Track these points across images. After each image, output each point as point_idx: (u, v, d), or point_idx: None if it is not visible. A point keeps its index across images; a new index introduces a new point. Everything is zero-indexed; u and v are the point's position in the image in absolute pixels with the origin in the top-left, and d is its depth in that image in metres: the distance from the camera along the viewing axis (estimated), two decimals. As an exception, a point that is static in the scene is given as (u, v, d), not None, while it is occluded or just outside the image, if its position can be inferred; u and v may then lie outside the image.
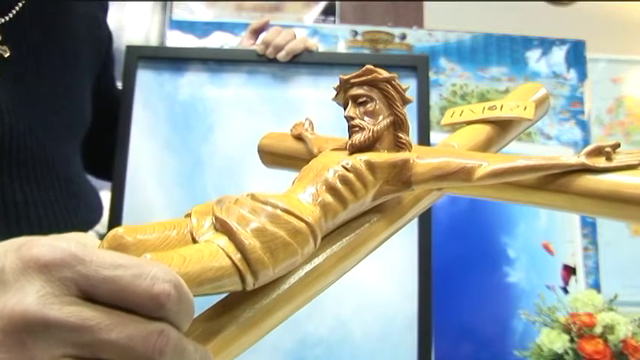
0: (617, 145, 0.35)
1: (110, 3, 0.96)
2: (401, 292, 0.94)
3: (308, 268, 0.35)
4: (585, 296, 1.18)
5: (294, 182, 0.38)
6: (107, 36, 0.92)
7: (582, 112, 1.78)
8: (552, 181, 0.36)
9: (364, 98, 0.40)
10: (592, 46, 1.83)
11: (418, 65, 1.00)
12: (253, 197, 0.34)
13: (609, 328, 1.10)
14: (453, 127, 0.49)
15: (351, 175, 0.37)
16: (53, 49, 0.77)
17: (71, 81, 0.80)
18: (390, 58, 1.21)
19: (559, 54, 1.83)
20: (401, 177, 0.39)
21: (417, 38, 1.84)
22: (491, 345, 1.58)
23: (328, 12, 1.99)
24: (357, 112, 0.40)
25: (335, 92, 0.42)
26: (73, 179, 0.78)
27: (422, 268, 0.93)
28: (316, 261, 0.36)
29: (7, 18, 0.71)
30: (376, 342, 0.93)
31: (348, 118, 0.40)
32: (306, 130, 0.48)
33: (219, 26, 1.83)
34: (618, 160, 0.34)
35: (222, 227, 0.32)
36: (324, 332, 0.93)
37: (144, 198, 0.96)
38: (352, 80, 0.40)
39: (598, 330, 1.10)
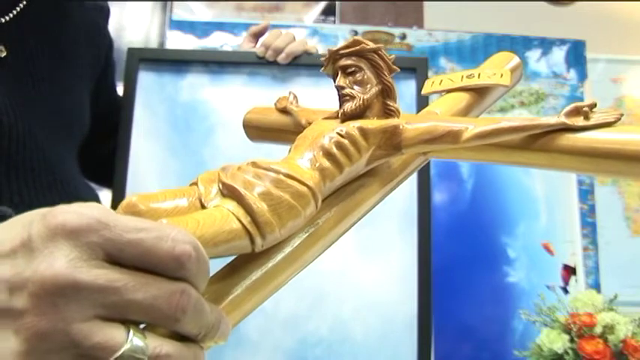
0: (594, 105, 0.37)
1: (110, 3, 0.96)
2: (401, 292, 0.95)
3: (309, 230, 0.37)
4: (585, 296, 1.19)
5: (290, 150, 0.40)
6: (107, 42, 0.92)
7: (582, 112, 1.78)
8: (534, 141, 0.38)
9: (353, 68, 0.42)
10: (592, 46, 1.84)
11: (417, 67, 1.01)
12: (255, 164, 0.35)
13: (609, 328, 1.10)
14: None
15: (345, 141, 0.39)
16: (51, 52, 0.77)
17: (69, 84, 0.80)
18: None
19: (559, 54, 1.83)
20: (392, 142, 0.41)
21: (417, 38, 1.84)
22: (491, 345, 1.59)
23: (328, 12, 1.99)
24: (347, 82, 0.42)
25: (324, 64, 0.44)
26: (70, 181, 0.78)
27: (422, 268, 0.94)
28: (316, 223, 0.38)
29: (5, 19, 0.71)
30: (376, 342, 0.93)
31: (339, 88, 0.42)
32: (291, 103, 0.50)
33: (219, 26, 1.83)
34: (595, 118, 0.37)
35: (230, 192, 0.33)
36: (325, 332, 0.93)
37: (145, 199, 0.96)
38: (341, 51, 0.42)
39: (598, 330, 1.10)
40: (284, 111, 0.50)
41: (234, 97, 1.02)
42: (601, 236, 1.73)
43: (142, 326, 0.29)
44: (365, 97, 0.41)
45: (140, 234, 0.28)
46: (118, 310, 0.27)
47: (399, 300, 0.94)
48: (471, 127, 0.39)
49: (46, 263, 0.26)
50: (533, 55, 1.83)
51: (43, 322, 0.26)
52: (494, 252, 1.66)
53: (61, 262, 0.26)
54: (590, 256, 1.71)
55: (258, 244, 0.33)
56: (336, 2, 1.99)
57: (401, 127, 0.41)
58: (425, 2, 2.00)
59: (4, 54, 0.69)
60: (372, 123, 0.40)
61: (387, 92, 0.42)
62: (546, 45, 1.83)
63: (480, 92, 0.49)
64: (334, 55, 0.42)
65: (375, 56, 0.42)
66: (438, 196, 1.69)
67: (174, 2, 1.94)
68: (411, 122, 0.41)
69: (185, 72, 1.02)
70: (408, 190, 0.96)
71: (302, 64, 1.00)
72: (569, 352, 1.11)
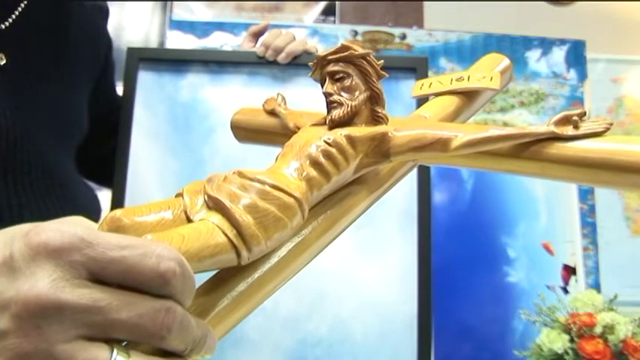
0: (584, 114, 0.37)
1: (110, 3, 0.96)
2: (401, 292, 0.94)
3: (296, 240, 0.37)
4: (585, 296, 1.18)
5: (277, 158, 0.39)
6: (106, 42, 0.92)
7: (582, 112, 1.78)
8: (524, 150, 0.38)
9: (341, 74, 0.41)
10: (592, 46, 1.84)
11: (417, 67, 1.01)
12: (241, 174, 0.35)
13: (609, 328, 1.10)
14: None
15: (333, 150, 0.38)
16: (50, 54, 0.77)
17: (68, 85, 0.80)
18: (389, 60, 1.21)
19: (559, 54, 1.83)
20: (380, 149, 0.40)
21: (417, 38, 1.84)
22: (491, 345, 1.59)
23: (328, 12, 1.99)
24: (335, 88, 0.41)
25: (312, 69, 0.43)
26: (69, 184, 0.78)
27: (422, 268, 0.94)
28: (303, 233, 0.37)
29: (5, 25, 0.71)
30: (376, 342, 0.93)
31: (327, 95, 0.41)
32: (279, 105, 0.49)
33: (219, 26, 1.83)
34: (585, 127, 0.36)
35: (215, 205, 0.33)
36: (325, 332, 0.93)
37: (144, 199, 0.96)
38: (329, 57, 0.41)
39: (598, 330, 1.10)
40: (272, 113, 0.49)
41: (234, 97, 1.02)
42: (601, 236, 1.73)
43: (124, 343, 0.28)
44: (353, 104, 0.40)
45: (123, 251, 0.27)
46: (101, 329, 0.27)
47: (399, 300, 0.94)
48: (460, 134, 0.38)
49: (28, 284, 0.26)
50: (533, 55, 1.83)
51: (25, 343, 0.26)
52: (494, 252, 1.66)
53: (44, 283, 0.26)
54: (590, 256, 1.71)
55: (244, 258, 0.32)
56: (336, 2, 1.99)
57: (389, 134, 0.40)
58: (425, 2, 2.00)
59: (3, 61, 0.69)
60: (360, 130, 0.40)
61: (375, 99, 0.41)
62: (546, 45, 1.83)
63: (469, 95, 0.48)
64: (322, 61, 0.42)
65: (364, 62, 0.41)
66: (438, 196, 1.69)
67: (174, 2, 1.94)
68: (399, 129, 0.41)
69: (185, 72, 1.02)
70: (408, 189, 0.96)
71: (302, 63, 1.00)
72: (569, 352, 1.11)
